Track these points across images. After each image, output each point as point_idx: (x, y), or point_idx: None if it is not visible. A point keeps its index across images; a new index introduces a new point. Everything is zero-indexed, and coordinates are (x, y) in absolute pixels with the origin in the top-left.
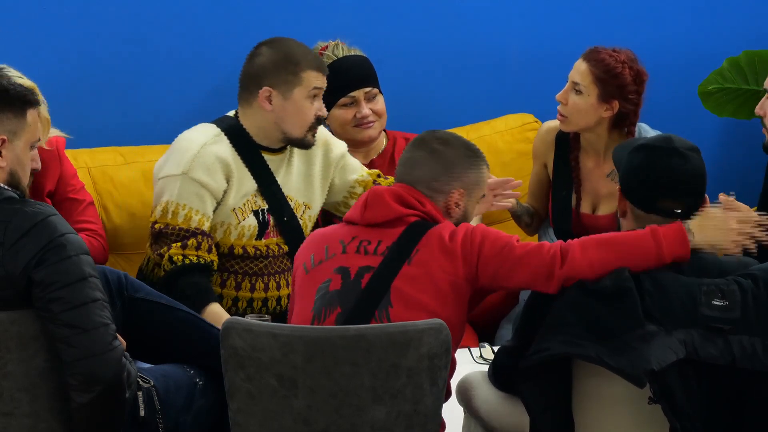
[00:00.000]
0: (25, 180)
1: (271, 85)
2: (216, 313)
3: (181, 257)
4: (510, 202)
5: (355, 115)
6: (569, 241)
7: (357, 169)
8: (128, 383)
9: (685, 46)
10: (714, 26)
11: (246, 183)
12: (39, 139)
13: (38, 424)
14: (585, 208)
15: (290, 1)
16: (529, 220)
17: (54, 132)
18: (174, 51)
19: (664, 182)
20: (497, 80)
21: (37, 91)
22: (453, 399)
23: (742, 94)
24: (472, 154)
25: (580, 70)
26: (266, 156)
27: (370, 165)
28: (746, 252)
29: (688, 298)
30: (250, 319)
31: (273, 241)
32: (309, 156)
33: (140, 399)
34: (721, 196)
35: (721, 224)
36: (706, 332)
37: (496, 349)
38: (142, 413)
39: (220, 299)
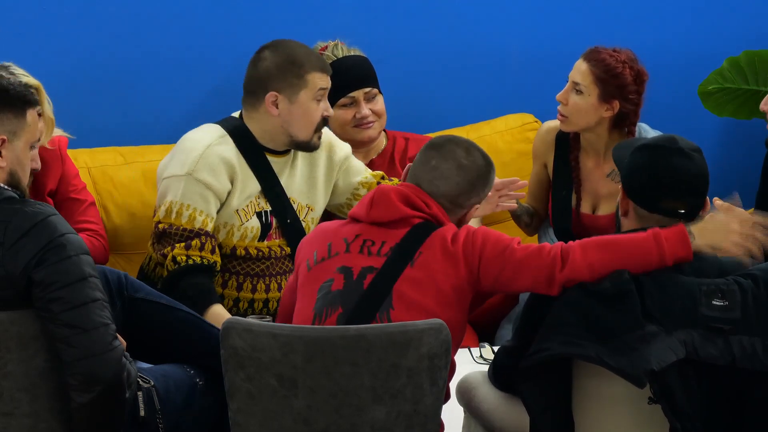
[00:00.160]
0: (25, 180)
1: (276, 90)
2: (219, 314)
3: (184, 258)
4: (513, 203)
5: (354, 116)
6: (570, 243)
7: (361, 171)
8: (128, 383)
9: (685, 46)
10: (714, 26)
11: (250, 184)
12: (39, 139)
13: (38, 424)
14: (585, 208)
15: (290, 1)
16: (529, 220)
17: (57, 132)
18: (174, 51)
19: (668, 182)
20: (497, 80)
21: (42, 89)
22: (453, 399)
23: (742, 94)
24: (489, 168)
25: (580, 70)
26: (270, 158)
27: (369, 165)
28: (753, 257)
29: (688, 298)
30: (251, 319)
31: (275, 242)
32: (313, 158)
33: (140, 399)
34: (716, 201)
35: (722, 226)
36: (706, 332)
37: (496, 349)
38: (142, 413)
39: (221, 299)
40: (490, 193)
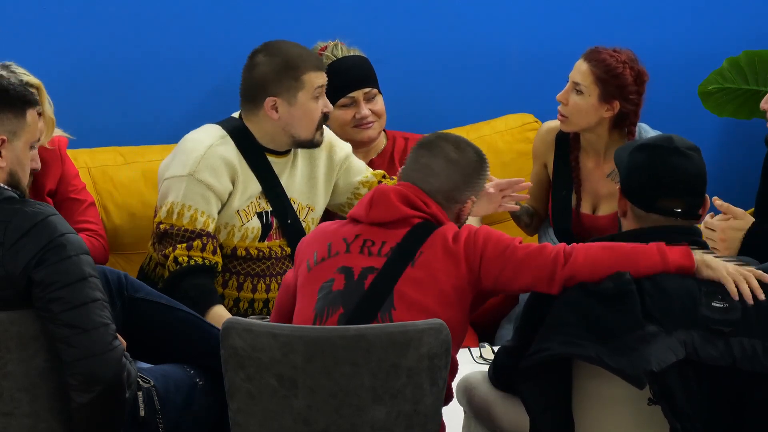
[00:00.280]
0: (25, 180)
1: (275, 95)
2: (220, 315)
3: (186, 258)
4: (515, 205)
5: (354, 116)
6: (573, 245)
7: (362, 171)
8: (128, 383)
9: (685, 46)
10: (714, 26)
11: (250, 185)
12: (39, 139)
13: (38, 424)
14: (585, 209)
15: (290, 1)
16: (529, 220)
17: (57, 132)
18: (174, 51)
19: (666, 181)
20: (497, 80)
21: (43, 89)
22: (453, 399)
23: (742, 94)
24: (482, 161)
25: (580, 70)
26: (271, 158)
27: (369, 165)
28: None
29: (688, 298)
30: (252, 319)
31: (276, 243)
32: (313, 158)
33: (140, 399)
34: (716, 201)
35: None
36: (706, 333)
37: (496, 349)
38: (142, 413)
39: (221, 299)
40: (493, 192)
